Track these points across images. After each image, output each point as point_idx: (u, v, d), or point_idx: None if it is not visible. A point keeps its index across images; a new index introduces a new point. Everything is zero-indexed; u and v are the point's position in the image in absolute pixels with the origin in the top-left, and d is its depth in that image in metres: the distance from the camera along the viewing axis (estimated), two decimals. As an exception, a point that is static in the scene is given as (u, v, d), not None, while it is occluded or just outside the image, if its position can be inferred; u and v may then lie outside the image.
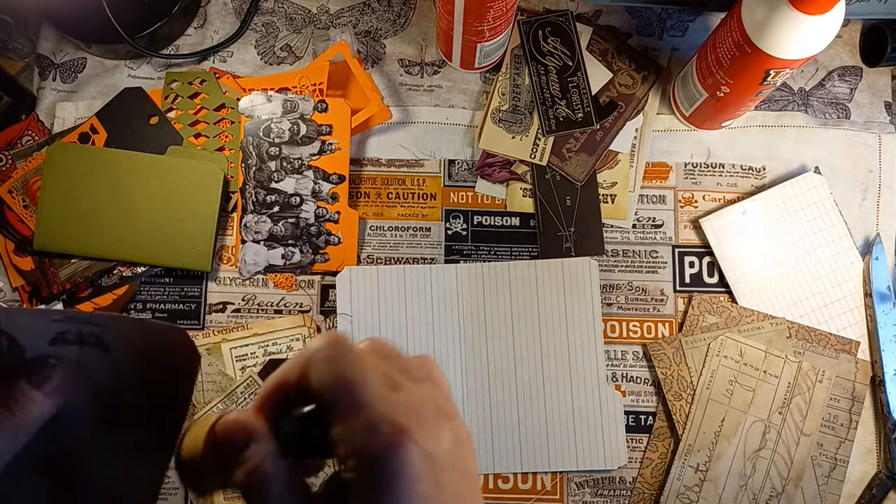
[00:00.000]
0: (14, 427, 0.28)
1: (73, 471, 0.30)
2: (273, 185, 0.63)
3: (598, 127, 0.65)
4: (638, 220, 0.65)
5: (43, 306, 0.29)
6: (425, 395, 0.29)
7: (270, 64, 0.68)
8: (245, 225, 0.63)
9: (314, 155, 0.63)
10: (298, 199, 0.63)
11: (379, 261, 0.64)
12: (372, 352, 0.30)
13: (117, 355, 0.31)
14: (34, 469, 0.29)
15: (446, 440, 0.28)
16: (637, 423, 0.62)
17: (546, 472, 0.61)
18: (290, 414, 0.29)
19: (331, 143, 0.63)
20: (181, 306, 0.63)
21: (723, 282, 0.63)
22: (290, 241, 0.63)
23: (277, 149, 0.63)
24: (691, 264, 0.64)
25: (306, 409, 0.29)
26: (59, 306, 0.61)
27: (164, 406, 0.32)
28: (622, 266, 0.64)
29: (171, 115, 0.64)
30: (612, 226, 0.65)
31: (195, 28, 0.69)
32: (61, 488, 0.30)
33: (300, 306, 0.63)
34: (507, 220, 0.65)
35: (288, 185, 0.63)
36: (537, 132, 0.65)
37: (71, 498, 0.30)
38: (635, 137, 0.66)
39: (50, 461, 0.30)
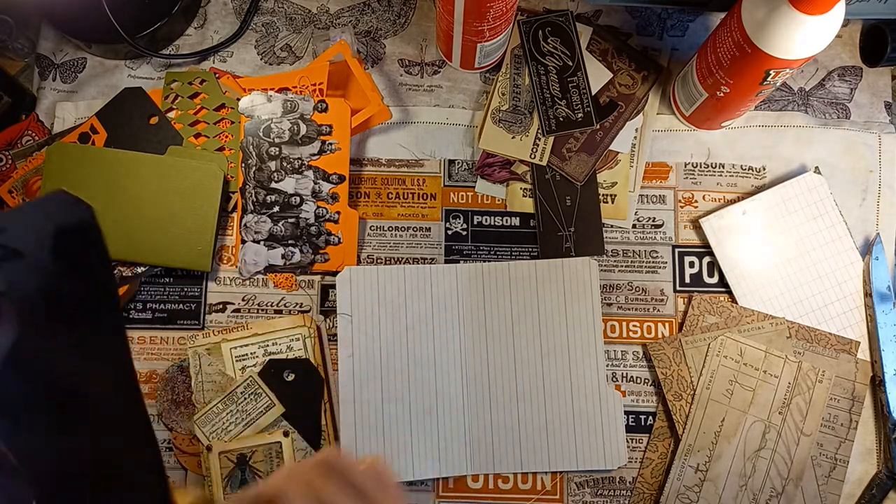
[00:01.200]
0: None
1: (62, 389, 0.29)
2: (273, 185, 0.63)
3: (598, 127, 0.65)
4: (638, 220, 0.65)
5: None
6: None
7: (270, 64, 0.68)
8: (245, 225, 0.63)
9: (314, 155, 0.63)
10: (298, 199, 0.63)
11: (379, 261, 0.64)
12: (320, 469, 0.34)
13: (31, 255, 0.29)
14: (30, 404, 0.28)
15: None
16: (637, 423, 0.62)
17: (546, 472, 0.61)
18: None
19: (331, 143, 0.63)
20: (181, 306, 0.63)
21: (723, 282, 0.63)
22: (290, 241, 0.63)
23: (277, 149, 0.63)
24: (691, 264, 0.64)
25: None
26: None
27: (91, 266, 0.31)
28: (622, 266, 0.64)
29: (171, 115, 0.64)
30: (612, 226, 0.65)
31: (195, 28, 0.69)
32: (59, 412, 0.29)
33: (300, 306, 0.63)
34: (507, 220, 0.65)
35: (288, 185, 0.63)
36: (537, 132, 0.65)
37: (70, 416, 0.29)
38: (635, 137, 0.66)
39: (40, 392, 0.29)
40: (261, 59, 0.68)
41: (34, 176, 0.63)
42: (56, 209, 0.30)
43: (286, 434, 0.59)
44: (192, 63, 0.68)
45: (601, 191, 0.65)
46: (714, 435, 0.59)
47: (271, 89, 0.64)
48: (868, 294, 0.62)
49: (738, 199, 0.65)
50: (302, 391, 0.60)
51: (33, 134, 0.66)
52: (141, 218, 0.61)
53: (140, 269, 0.62)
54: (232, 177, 0.64)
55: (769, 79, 0.54)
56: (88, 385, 0.30)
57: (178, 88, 0.65)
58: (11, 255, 0.28)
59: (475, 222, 0.65)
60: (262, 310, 0.63)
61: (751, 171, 0.66)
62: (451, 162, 0.66)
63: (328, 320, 0.63)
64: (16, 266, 0.28)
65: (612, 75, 0.66)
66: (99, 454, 0.30)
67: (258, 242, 0.63)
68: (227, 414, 0.59)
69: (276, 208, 0.63)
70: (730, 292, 0.63)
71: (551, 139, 0.65)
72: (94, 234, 0.30)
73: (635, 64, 0.66)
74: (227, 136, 0.64)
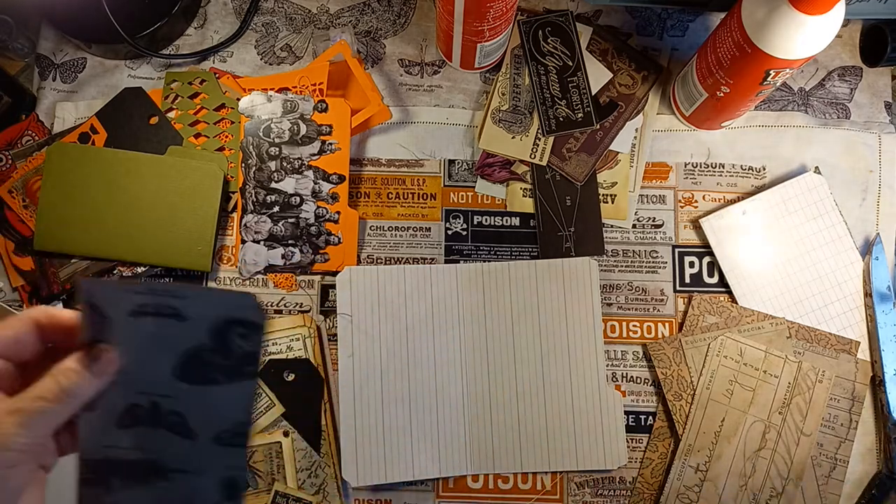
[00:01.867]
0: (100, 375, 0.35)
1: (168, 419, 0.37)
2: (273, 185, 0.63)
3: (598, 127, 0.65)
4: (638, 220, 0.65)
5: (128, 281, 0.36)
6: None
7: (270, 64, 0.68)
8: (245, 225, 0.63)
9: (314, 155, 0.63)
10: (298, 199, 0.63)
11: (379, 261, 0.64)
12: None
13: (194, 324, 0.36)
14: (134, 419, 0.36)
15: None
16: (637, 423, 0.62)
17: (546, 472, 0.61)
18: None
19: (331, 143, 0.63)
20: (181, 306, 0.63)
21: (723, 282, 0.63)
22: (290, 241, 0.63)
23: (277, 149, 0.63)
24: (691, 264, 0.64)
25: None
26: (60, 306, 0.61)
27: (240, 358, 0.37)
28: (622, 266, 0.64)
29: (171, 115, 0.64)
30: (612, 226, 0.65)
31: (195, 28, 0.69)
32: (156, 432, 0.37)
33: (300, 306, 0.63)
34: (507, 220, 0.65)
35: (288, 185, 0.63)
36: (537, 132, 0.65)
37: (165, 441, 0.37)
38: (635, 137, 0.66)
39: (145, 412, 0.36)
40: (261, 59, 0.68)
41: (34, 176, 0.63)
42: (234, 305, 0.37)
43: (286, 434, 0.59)
44: (192, 63, 0.68)
45: (601, 191, 0.65)
46: (714, 435, 0.59)
47: (271, 89, 0.64)
48: (868, 294, 0.62)
49: (738, 199, 0.65)
50: (302, 391, 0.60)
51: (33, 134, 0.66)
52: (141, 218, 0.61)
53: (140, 269, 0.62)
54: (232, 177, 0.64)
55: (769, 79, 0.54)
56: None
57: (178, 88, 0.65)
58: (176, 315, 0.36)
59: (475, 222, 0.65)
60: (262, 310, 0.63)
61: (751, 171, 0.66)
62: (451, 162, 0.66)
63: (328, 320, 0.63)
64: (173, 324, 0.36)
65: (612, 75, 0.66)
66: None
67: (258, 242, 0.63)
68: (227, 414, 0.59)
69: (276, 208, 0.63)
70: (730, 292, 0.63)
71: (551, 139, 0.65)
72: (256, 336, 0.37)
73: (635, 64, 0.66)
74: (227, 136, 0.64)
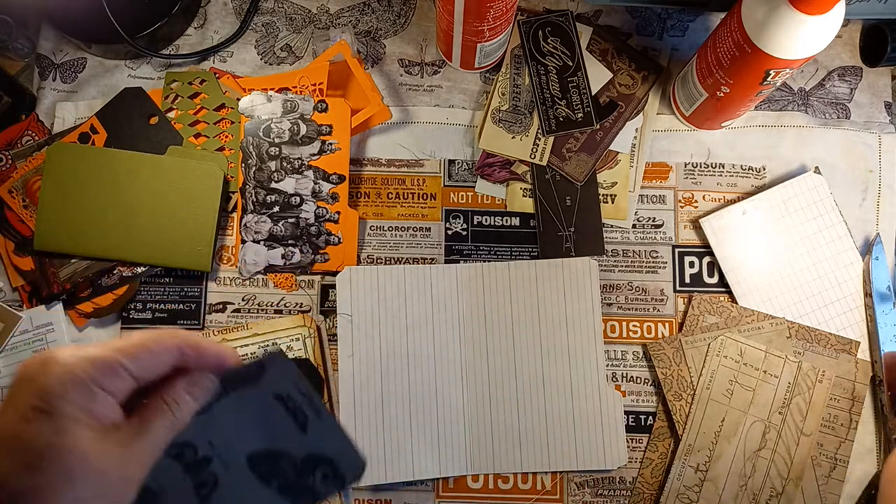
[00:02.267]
0: (198, 401, 0.35)
1: (205, 476, 0.37)
2: (273, 185, 0.63)
3: (598, 127, 0.65)
4: (638, 220, 0.65)
5: (304, 379, 0.37)
6: None
7: (270, 64, 0.68)
8: (245, 225, 0.63)
9: (314, 155, 0.63)
10: (298, 199, 0.63)
11: (379, 261, 0.64)
12: None
13: (307, 440, 0.37)
14: (179, 454, 0.36)
15: None
16: (637, 423, 0.62)
17: (546, 472, 0.61)
18: None
19: (331, 143, 0.63)
20: (181, 306, 0.63)
21: (723, 282, 0.63)
22: (290, 241, 0.63)
23: (277, 149, 0.63)
24: (691, 264, 0.64)
25: None
26: (59, 306, 0.61)
27: (307, 488, 0.38)
28: (622, 266, 0.64)
29: (171, 115, 0.64)
30: (612, 226, 0.65)
31: (195, 28, 0.69)
32: (184, 476, 0.37)
33: (300, 306, 0.63)
34: (507, 220, 0.65)
35: (288, 185, 0.63)
36: (537, 132, 0.65)
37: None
38: (635, 137, 0.66)
39: (195, 457, 0.37)
40: (261, 59, 0.68)
41: (34, 176, 0.63)
42: (343, 453, 0.38)
43: (286, 434, 0.59)
44: (192, 63, 0.68)
45: (601, 191, 0.65)
46: (714, 435, 0.59)
47: (271, 89, 0.64)
48: (868, 294, 0.62)
49: (738, 199, 0.65)
50: (302, 391, 0.60)
51: (33, 134, 0.66)
52: (141, 218, 0.61)
53: (140, 269, 0.62)
54: (232, 177, 0.64)
55: (769, 79, 0.54)
56: None
57: (178, 88, 0.65)
58: (301, 426, 0.37)
59: (475, 222, 0.65)
60: (262, 310, 0.63)
61: (751, 171, 0.66)
62: (451, 162, 0.66)
63: (328, 320, 0.63)
64: (292, 428, 0.37)
65: (612, 75, 0.66)
66: None
67: (258, 242, 0.63)
68: (227, 414, 0.59)
69: (276, 208, 0.63)
70: (730, 292, 0.63)
71: (551, 139, 0.65)
72: (336, 486, 0.38)
73: (635, 64, 0.66)
74: (227, 136, 0.64)
